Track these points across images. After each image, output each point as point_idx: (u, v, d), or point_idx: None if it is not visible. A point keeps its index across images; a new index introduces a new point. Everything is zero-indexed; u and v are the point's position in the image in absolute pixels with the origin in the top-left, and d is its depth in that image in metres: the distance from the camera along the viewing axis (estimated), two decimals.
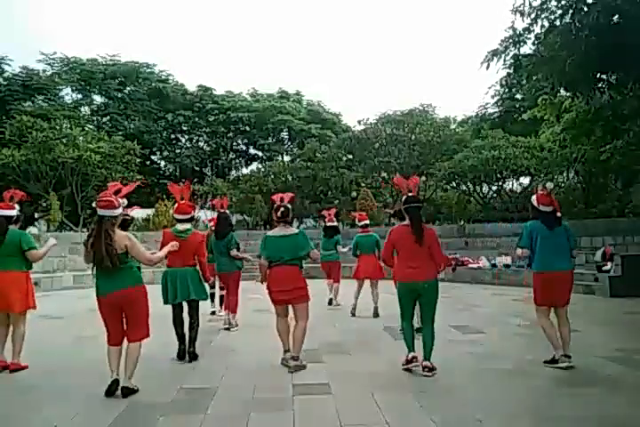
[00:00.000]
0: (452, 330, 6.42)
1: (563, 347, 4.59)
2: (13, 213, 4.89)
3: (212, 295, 7.78)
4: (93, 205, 4.12)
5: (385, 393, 3.91)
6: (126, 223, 7.98)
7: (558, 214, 4.64)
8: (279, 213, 4.81)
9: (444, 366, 4.59)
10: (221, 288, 7.50)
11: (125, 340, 4.04)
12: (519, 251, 4.79)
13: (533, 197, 4.76)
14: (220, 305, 7.83)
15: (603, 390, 3.97)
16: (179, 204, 5.29)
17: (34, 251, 4.85)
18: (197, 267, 5.18)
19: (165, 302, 5.12)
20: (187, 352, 5.02)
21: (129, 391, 3.91)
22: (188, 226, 5.17)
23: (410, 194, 4.65)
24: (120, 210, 4.02)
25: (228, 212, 7.09)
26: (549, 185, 4.74)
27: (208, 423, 3.39)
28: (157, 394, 3.95)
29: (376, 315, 7.50)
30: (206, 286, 5.48)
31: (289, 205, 4.92)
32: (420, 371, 4.40)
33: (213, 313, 7.83)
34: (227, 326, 6.70)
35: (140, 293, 4.04)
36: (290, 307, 4.74)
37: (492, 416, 3.43)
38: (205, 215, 15.18)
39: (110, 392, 3.86)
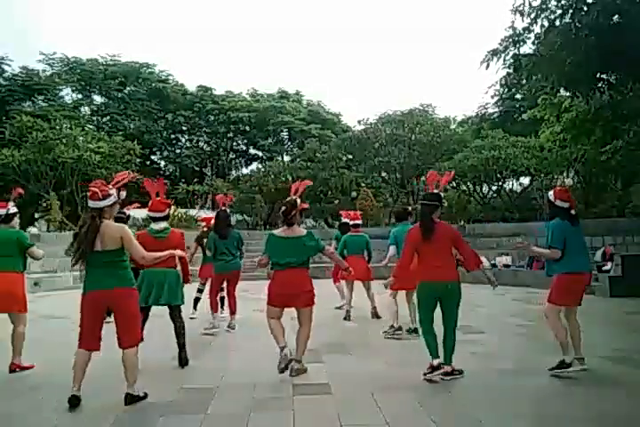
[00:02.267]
0: None
1: (576, 349, 4.46)
2: (1, 211, 4.73)
3: (197, 300, 7.49)
4: None
5: (385, 393, 3.91)
6: (121, 221, 7.90)
7: (572, 212, 4.48)
8: (280, 212, 4.46)
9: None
10: (222, 289, 7.21)
11: (119, 347, 3.79)
12: (547, 251, 4.48)
13: (550, 193, 4.62)
14: (222, 307, 7.70)
15: (603, 389, 3.97)
16: (153, 200, 4.92)
17: (34, 248, 4.74)
18: (178, 269, 4.92)
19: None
20: (179, 358, 4.80)
21: (133, 399, 3.73)
22: (164, 225, 4.87)
23: (435, 191, 4.48)
24: (105, 202, 3.70)
25: (228, 210, 6.83)
26: (568, 181, 4.64)
27: (208, 423, 3.38)
28: (157, 394, 3.93)
29: (376, 317, 7.33)
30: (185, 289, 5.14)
31: (297, 200, 4.45)
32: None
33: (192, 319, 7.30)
34: (230, 328, 6.49)
35: (128, 294, 3.74)
36: (282, 310, 4.46)
37: (491, 416, 3.43)
38: (206, 215, 15.14)
39: (71, 407, 3.61)
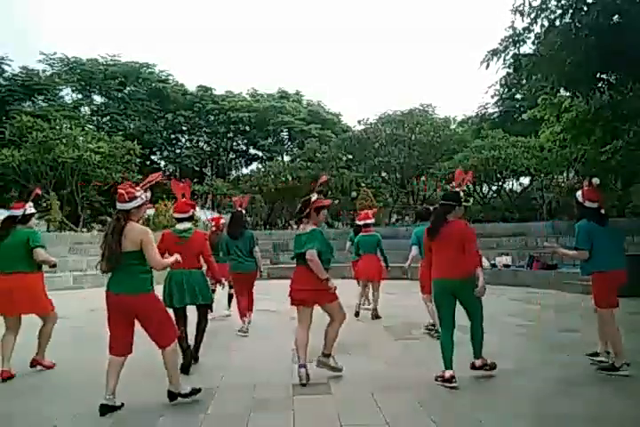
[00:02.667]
0: None
1: (604, 346, 4.52)
2: (17, 212, 4.73)
3: (231, 296, 7.57)
4: None
5: (385, 393, 3.91)
6: None
7: (602, 211, 4.48)
8: (297, 209, 4.54)
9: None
10: (231, 287, 7.35)
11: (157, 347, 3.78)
12: (573, 252, 4.55)
13: (578, 193, 4.58)
14: (229, 305, 7.73)
15: (603, 389, 3.97)
16: (178, 202, 5.09)
17: (40, 250, 4.65)
18: (203, 269, 5.01)
19: (169, 306, 4.81)
20: (183, 364, 4.72)
21: (174, 396, 3.74)
22: (188, 225, 4.95)
23: (457, 190, 4.46)
24: (131, 204, 3.67)
25: (243, 211, 6.83)
26: (596, 180, 4.52)
27: (208, 423, 3.39)
28: (157, 394, 3.93)
29: (376, 317, 7.36)
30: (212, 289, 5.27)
31: (311, 197, 4.43)
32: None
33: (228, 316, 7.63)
34: (243, 331, 6.37)
35: (148, 300, 3.68)
36: (309, 313, 4.45)
37: (491, 416, 3.43)
38: (205, 215, 15.15)
39: (102, 415, 3.57)
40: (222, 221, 8.02)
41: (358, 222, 8.07)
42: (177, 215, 5.02)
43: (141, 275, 3.69)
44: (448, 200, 4.37)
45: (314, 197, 4.42)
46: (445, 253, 4.24)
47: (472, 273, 4.20)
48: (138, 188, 3.79)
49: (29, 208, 4.82)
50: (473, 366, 4.35)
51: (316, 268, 4.21)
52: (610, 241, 4.45)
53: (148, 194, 3.85)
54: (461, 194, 4.42)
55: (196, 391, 3.79)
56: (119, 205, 3.69)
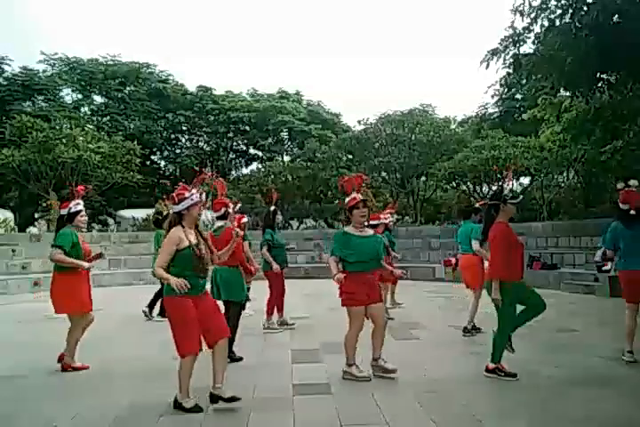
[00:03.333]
0: (453, 330, 6.41)
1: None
2: (63, 211, 4.72)
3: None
4: None
5: (385, 393, 3.91)
6: (157, 223, 8.00)
7: (632, 212, 4.53)
8: None
9: (444, 366, 4.60)
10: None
11: None
12: (600, 252, 4.71)
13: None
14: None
15: (603, 390, 3.96)
16: (214, 201, 5.23)
17: (53, 250, 4.57)
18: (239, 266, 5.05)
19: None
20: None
21: (175, 404, 3.62)
22: (220, 223, 5.07)
23: (502, 187, 4.50)
24: (180, 206, 3.56)
25: (271, 209, 6.80)
26: (634, 182, 4.59)
27: (208, 423, 3.39)
28: (157, 394, 3.94)
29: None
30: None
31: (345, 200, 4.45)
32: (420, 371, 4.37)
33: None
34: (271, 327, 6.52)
35: (170, 303, 3.61)
36: (363, 318, 4.48)
37: (491, 416, 3.43)
38: (206, 216, 15.11)
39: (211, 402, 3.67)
40: (244, 220, 7.98)
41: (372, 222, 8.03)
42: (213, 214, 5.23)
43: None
44: (492, 200, 4.39)
45: (348, 198, 4.34)
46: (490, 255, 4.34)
47: (490, 278, 4.20)
48: (193, 189, 3.66)
49: (74, 206, 4.72)
50: (486, 369, 4.34)
51: (329, 267, 4.28)
52: (633, 243, 4.49)
53: (199, 194, 3.65)
54: (505, 191, 4.30)
55: (196, 410, 3.57)
56: (173, 208, 3.64)
